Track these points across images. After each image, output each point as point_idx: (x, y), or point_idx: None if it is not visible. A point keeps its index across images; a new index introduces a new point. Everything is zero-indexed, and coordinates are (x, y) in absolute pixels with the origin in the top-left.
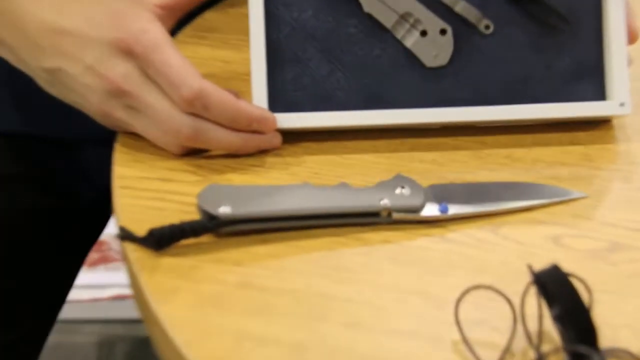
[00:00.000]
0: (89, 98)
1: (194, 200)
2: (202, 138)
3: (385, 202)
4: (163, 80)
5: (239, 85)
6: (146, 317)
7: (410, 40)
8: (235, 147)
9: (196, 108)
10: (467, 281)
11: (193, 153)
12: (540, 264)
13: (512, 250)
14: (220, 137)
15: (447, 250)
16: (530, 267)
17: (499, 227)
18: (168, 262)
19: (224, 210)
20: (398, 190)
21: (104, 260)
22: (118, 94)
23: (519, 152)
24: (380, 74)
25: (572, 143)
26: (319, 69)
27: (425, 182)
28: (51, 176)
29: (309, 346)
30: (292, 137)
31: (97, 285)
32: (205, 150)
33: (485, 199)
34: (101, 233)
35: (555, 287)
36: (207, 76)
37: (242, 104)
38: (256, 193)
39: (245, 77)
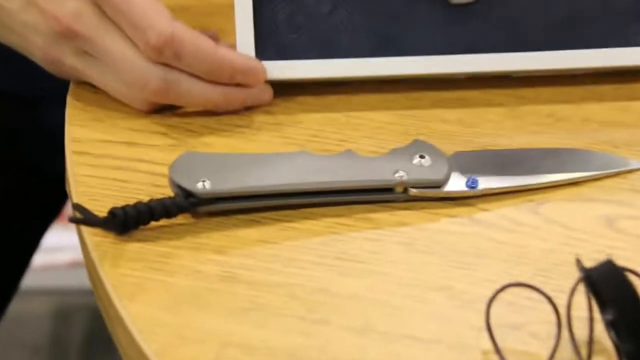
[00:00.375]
0: (32, 40)
1: (165, 169)
2: (174, 92)
3: (401, 174)
4: (124, 22)
5: (219, 22)
6: (108, 316)
7: None
8: (215, 104)
9: (166, 56)
10: (501, 275)
11: (164, 110)
12: (592, 254)
13: (556, 235)
14: (196, 92)
15: (476, 235)
16: (578, 260)
17: (539, 205)
18: (134, 249)
19: (203, 185)
20: (416, 160)
21: (61, 217)
22: (68, 35)
23: (564, 109)
24: (394, 12)
25: (631, 98)
26: (319, 5)
27: (449, 149)
28: (13, 137)
29: (308, 354)
30: (286, 90)
31: (52, 248)
32: (179, 107)
33: (522, 170)
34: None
35: (609, 286)
36: (179, 11)
37: (222, 51)
38: (242, 163)
39: (228, 11)
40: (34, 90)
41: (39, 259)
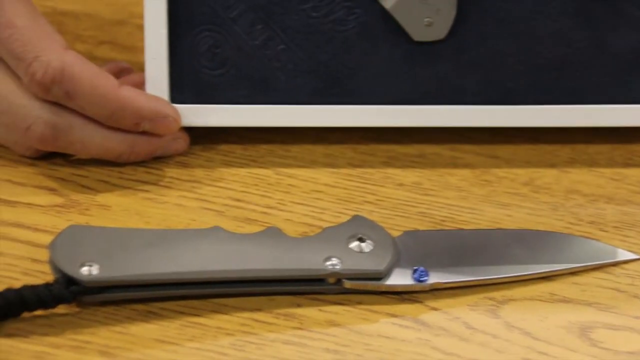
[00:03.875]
0: None
1: (48, 238)
2: (63, 140)
3: (334, 262)
4: (5, 51)
5: (128, 52)
6: None
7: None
8: (116, 155)
9: (55, 95)
10: None
11: (54, 155)
12: None
13: (517, 347)
14: (91, 140)
15: (421, 343)
16: None
17: (500, 305)
18: (1, 347)
19: (89, 270)
20: (354, 244)
21: None
22: None
23: (545, 175)
24: (342, 48)
25: (627, 164)
26: (251, 35)
27: (397, 226)
28: None
29: None
30: (207, 135)
31: None
32: (71, 154)
33: (483, 259)
34: None
35: None
36: (81, 39)
37: (125, 92)
38: (139, 242)
39: (142, 37)
40: None
41: None
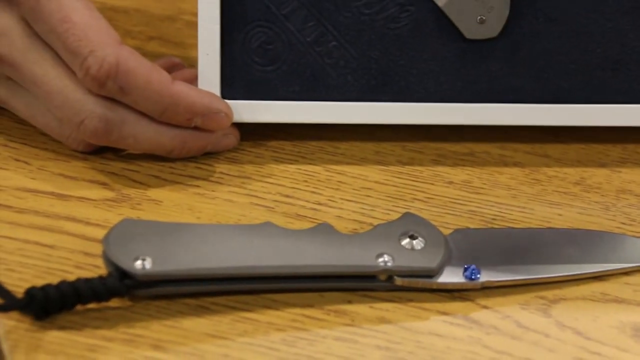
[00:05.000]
0: None
1: (100, 232)
2: (116, 134)
3: (385, 259)
4: (60, 44)
5: (178, 48)
6: None
7: None
8: (168, 150)
9: (109, 90)
10: None
11: (105, 150)
12: None
13: (569, 346)
14: (144, 135)
15: (472, 341)
16: None
17: (552, 305)
18: (55, 339)
19: (142, 264)
20: (405, 242)
21: None
22: None
23: (597, 175)
24: (394, 46)
25: None
26: (302, 31)
27: (448, 223)
28: None
29: None
30: (257, 131)
31: None
32: (124, 149)
33: (535, 259)
34: None
35: None
36: (131, 35)
37: (178, 88)
38: (192, 237)
39: (192, 33)
40: None
41: None
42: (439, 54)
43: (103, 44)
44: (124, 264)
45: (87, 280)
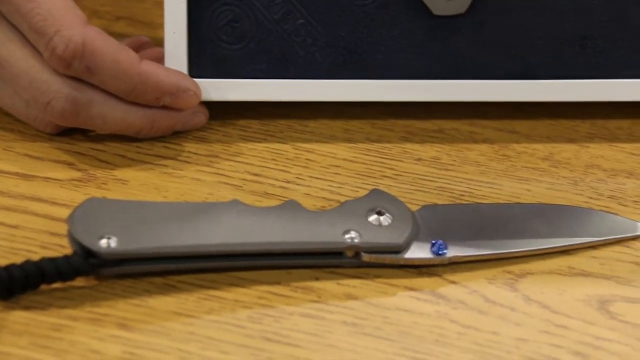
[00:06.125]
0: None
1: (66, 212)
2: (84, 115)
3: (352, 236)
4: (25, 24)
5: (146, 28)
6: None
7: None
8: (136, 129)
9: (76, 70)
10: None
11: (72, 131)
12: (575, 346)
13: (535, 320)
14: (111, 115)
15: (439, 316)
16: None
17: (518, 279)
18: (20, 319)
19: (107, 243)
20: (373, 218)
21: None
22: None
23: (565, 150)
24: (362, 23)
25: None
26: (270, 9)
27: (416, 200)
28: None
29: None
30: (225, 110)
31: None
32: (90, 130)
33: (502, 234)
34: None
35: None
36: (98, 15)
37: (146, 67)
38: (158, 215)
39: (160, 13)
40: None
41: None
42: (406, 31)
43: (69, 24)
44: (88, 242)
45: (52, 260)
